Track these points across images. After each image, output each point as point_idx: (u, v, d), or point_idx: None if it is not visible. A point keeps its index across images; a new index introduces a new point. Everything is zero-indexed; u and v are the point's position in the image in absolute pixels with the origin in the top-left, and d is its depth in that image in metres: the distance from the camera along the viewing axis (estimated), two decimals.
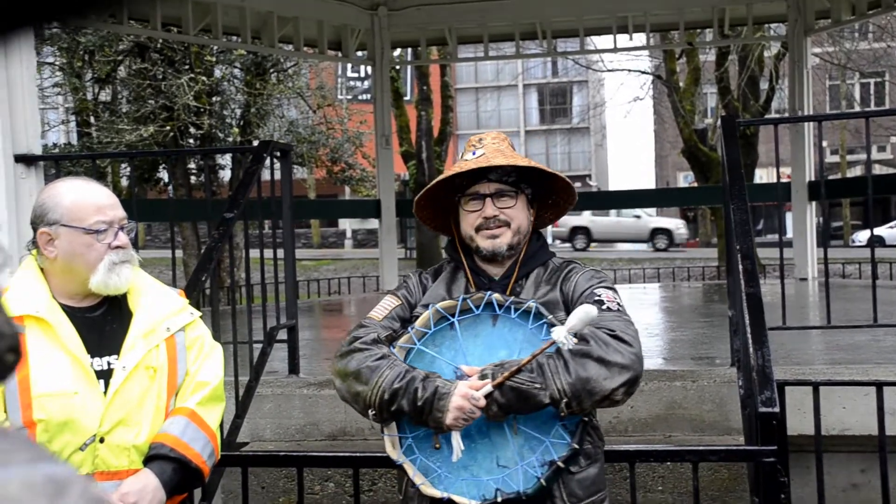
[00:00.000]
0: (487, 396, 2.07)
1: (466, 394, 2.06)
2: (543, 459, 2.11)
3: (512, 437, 2.13)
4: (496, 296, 2.20)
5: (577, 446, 2.13)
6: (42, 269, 2.32)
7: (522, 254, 2.33)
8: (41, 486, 0.38)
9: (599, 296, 2.22)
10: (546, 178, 2.37)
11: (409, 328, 2.23)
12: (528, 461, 2.12)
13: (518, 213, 2.31)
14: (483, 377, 2.11)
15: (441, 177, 2.32)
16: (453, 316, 2.21)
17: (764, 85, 17.53)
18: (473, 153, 2.31)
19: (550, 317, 2.17)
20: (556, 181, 2.38)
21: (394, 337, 2.26)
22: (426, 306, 2.27)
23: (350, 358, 2.19)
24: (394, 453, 2.19)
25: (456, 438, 2.12)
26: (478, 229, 2.29)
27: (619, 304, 2.22)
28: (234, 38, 8.72)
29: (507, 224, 2.29)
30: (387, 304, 2.34)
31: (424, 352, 2.21)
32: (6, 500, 0.37)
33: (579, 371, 2.06)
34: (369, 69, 11.00)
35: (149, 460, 2.28)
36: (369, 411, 2.14)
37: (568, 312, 2.21)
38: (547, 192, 2.42)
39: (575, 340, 2.08)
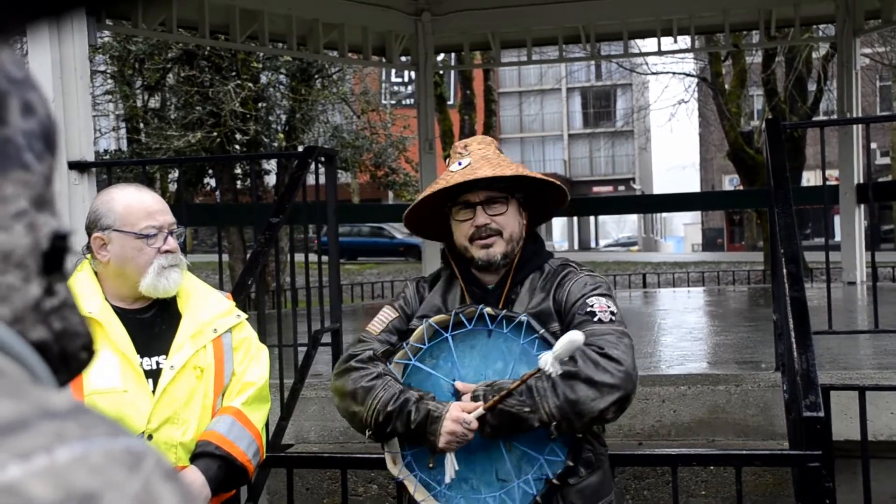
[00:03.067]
0: (480, 419, 2.06)
1: (458, 417, 2.06)
2: (539, 476, 2.11)
3: (507, 454, 2.13)
4: (488, 309, 2.17)
5: (571, 463, 2.11)
6: (96, 273, 2.39)
7: (516, 260, 2.28)
8: (120, 457, 0.42)
9: (592, 306, 2.15)
10: (536, 180, 2.30)
11: (405, 343, 2.22)
12: (525, 477, 2.11)
13: (509, 221, 2.25)
14: (475, 398, 2.09)
15: (426, 192, 2.28)
16: (447, 330, 2.19)
17: (812, 87, 17.27)
18: (459, 163, 2.26)
19: (542, 331, 2.14)
20: (546, 183, 2.32)
21: (391, 351, 2.25)
22: (422, 317, 2.25)
23: (346, 377, 2.20)
24: (394, 469, 2.19)
25: (449, 460, 2.11)
26: (471, 239, 2.24)
27: (612, 312, 2.15)
28: (281, 44, 8.84)
29: (500, 233, 2.23)
30: (384, 318, 2.32)
31: (412, 366, 2.21)
32: (89, 469, 0.40)
33: (567, 393, 2.02)
34: (413, 74, 11.07)
35: (195, 458, 2.34)
36: (366, 431, 2.16)
37: (561, 322, 2.17)
38: (537, 193, 2.36)
39: (560, 368, 2.03)
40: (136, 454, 0.43)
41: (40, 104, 0.54)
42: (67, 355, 0.54)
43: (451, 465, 2.12)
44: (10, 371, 0.46)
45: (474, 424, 2.06)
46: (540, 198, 2.38)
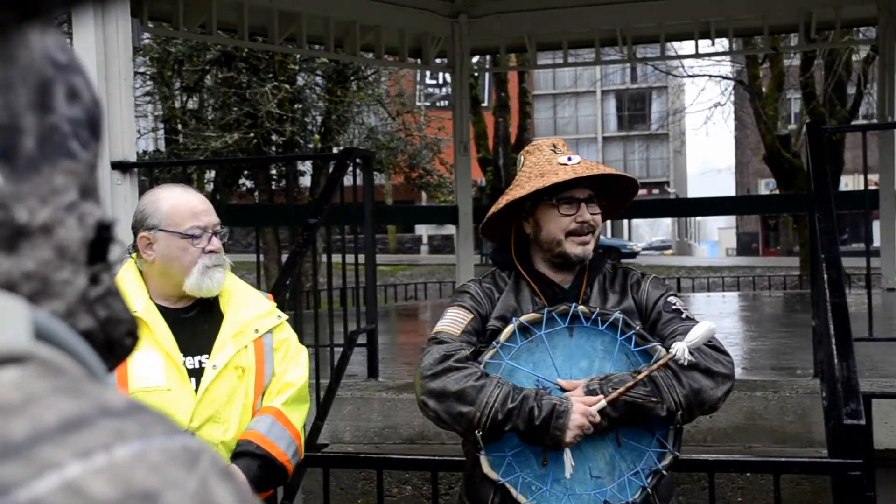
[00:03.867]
0: (600, 411, 2.09)
1: (586, 411, 2.06)
2: (646, 468, 2.14)
3: (613, 449, 2.16)
4: (581, 307, 2.20)
5: (677, 454, 2.17)
6: (140, 272, 2.43)
7: (589, 261, 2.32)
8: (178, 455, 0.42)
9: (674, 304, 2.25)
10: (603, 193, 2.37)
11: (495, 342, 2.19)
12: (630, 471, 2.14)
13: (600, 221, 2.32)
14: (591, 392, 2.10)
15: (547, 182, 2.23)
16: (538, 329, 2.19)
17: (851, 90, 17.04)
18: (569, 158, 2.28)
19: (638, 327, 2.18)
20: (623, 195, 2.44)
21: (476, 352, 2.20)
22: (500, 318, 2.25)
23: (446, 377, 2.11)
24: (493, 474, 2.15)
25: (568, 455, 2.12)
26: (568, 234, 2.26)
27: (687, 311, 2.26)
28: (318, 46, 8.89)
29: (594, 231, 2.29)
30: (459, 318, 2.25)
31: (505, 365, 2.19)
32: (148, 467, 0.41)
33: (691, 383, 2.11)
34: (448, 76, 11.10)
35: (236, 457, 2.36)
36: (476, 432, 2.09)
37: (643, 321, 2.24)
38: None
39: (689, 357, 2.09)
40: (192, 452, 0.43)
41: (85, 89, 0.53)
42: (113, 342, 0.54)
43: (569, 460, 2.13)
44: (68, 368, 0.47)
45: (597, 417, 2.08)
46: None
